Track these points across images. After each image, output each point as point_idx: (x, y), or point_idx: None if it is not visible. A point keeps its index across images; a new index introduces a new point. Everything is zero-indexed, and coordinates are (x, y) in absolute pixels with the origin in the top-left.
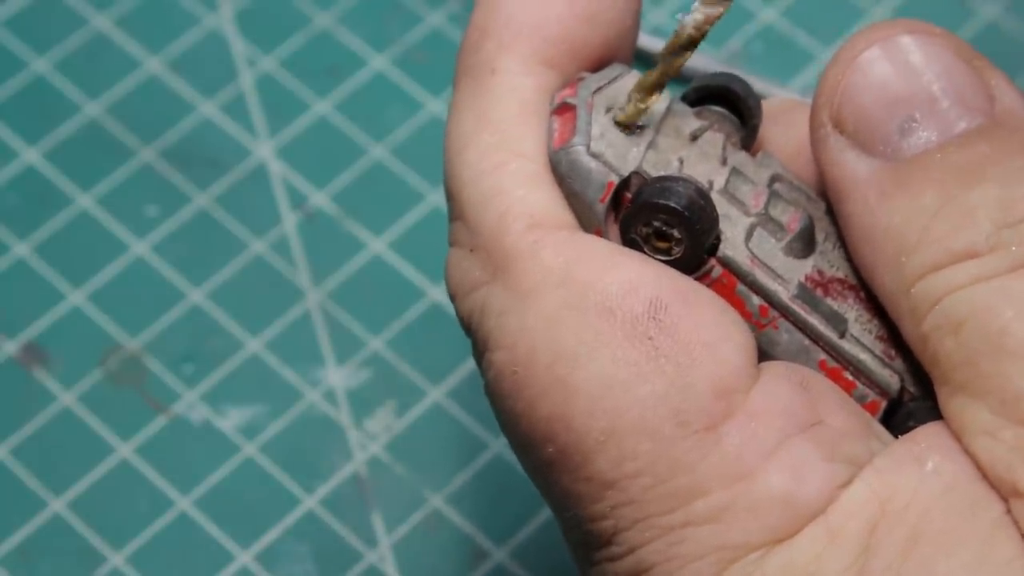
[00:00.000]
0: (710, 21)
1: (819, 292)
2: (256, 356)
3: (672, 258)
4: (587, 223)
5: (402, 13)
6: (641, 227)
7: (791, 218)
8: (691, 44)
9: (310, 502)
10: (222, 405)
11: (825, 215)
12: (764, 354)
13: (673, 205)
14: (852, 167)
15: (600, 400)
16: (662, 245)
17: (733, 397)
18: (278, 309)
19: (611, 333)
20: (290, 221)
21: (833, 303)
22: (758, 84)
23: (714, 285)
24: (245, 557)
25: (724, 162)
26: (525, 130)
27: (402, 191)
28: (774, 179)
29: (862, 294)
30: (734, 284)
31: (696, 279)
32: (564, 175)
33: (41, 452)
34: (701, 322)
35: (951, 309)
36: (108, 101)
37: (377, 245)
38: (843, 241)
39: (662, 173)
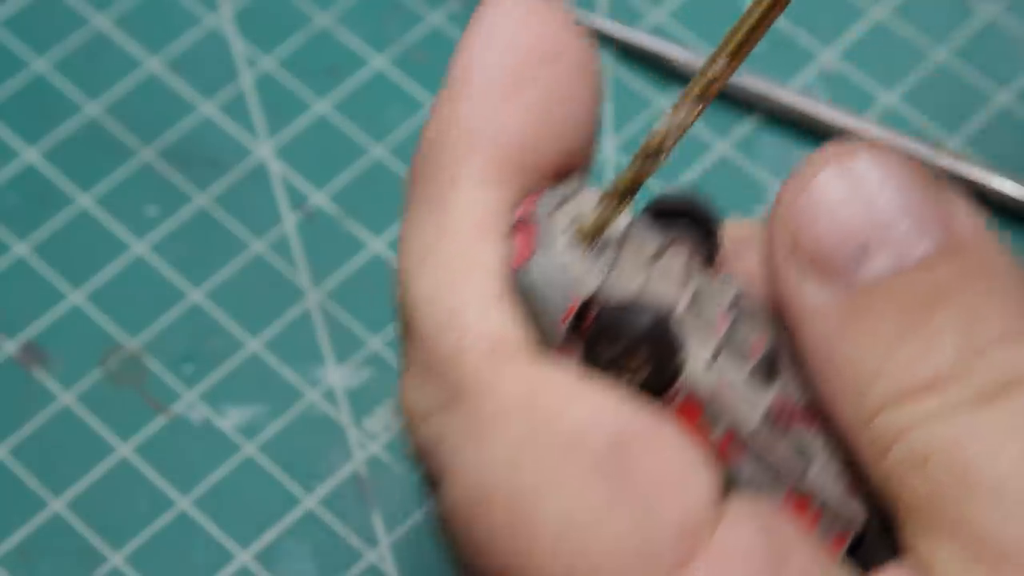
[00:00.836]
0: (677, 131)
1: (783, 421)
2: (256, 356)
3: (635, 384)
4: (548, 345)
5: (402, 13)
6: (603, 352)
7: (754, 343)
8: (657, 154)
9: (310, 502)
10: (222, 405)
11: (788, 339)
12: (727, 485)
13: (636, 330)
14: (809, 296)
15: (561, 540)
16: (624, 371)
17: (698, 537)
18: (278, 309)
19: (572, 470)
20: (290, 221)
21: (797, 433)
22: (758, 84)
23: (677, 413)
24: (245, 557)
25: (686, 282)
26: (483, 247)
27: (402, 191)
28: (736, 301)
29: (826, 424)
30: (698, 413)
31: (659, 406)
32: (524, 295)
33: (41, 452)
34: (665, 458)
35: (915, 443)
36: (108, 101)
37: (377, 245)
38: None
39: (625, 294)
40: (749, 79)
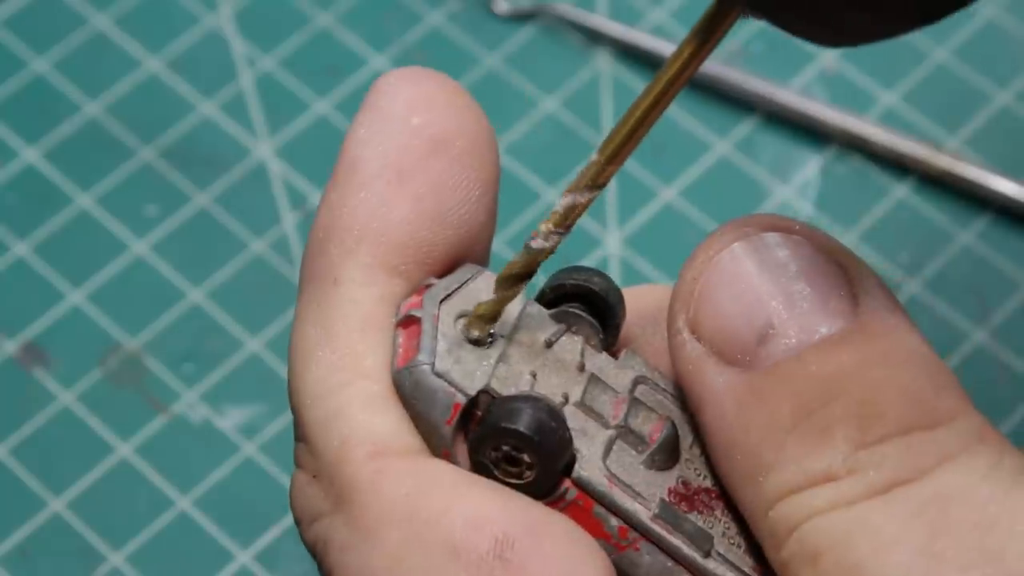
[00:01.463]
0: (550, 251)
1: (683, 506)
2: (256, 356)
3: (523, 482)
4: (435, 445)
5: (402, 13)
6: (489, 451)
7: (653, 427)
8: (530, 271)
9: None
10: (222, 405)
11: (692, 417)
12: (626, 575)
13: (521, 430)
14: (709, 377)
15: None
16: (513, 469)
17: None
18: (278, 309)
19: (455, 575)
20: (289, 221)
21: (698, 517)
22: (758, 84)
23: (569, 508)
24: (245, 557)
25: (582, 368)
26: (367, 346)
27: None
28: (637, 382)
29: (731, 503)
30: (591, 506)
31: (550, 503)
32: (408, 396)
33: (41, 452)
34: (551, 557)
35: (808, 537)
36: (108, 101)
37: None
38: None
39: (512, 390)
40: (749, 79)
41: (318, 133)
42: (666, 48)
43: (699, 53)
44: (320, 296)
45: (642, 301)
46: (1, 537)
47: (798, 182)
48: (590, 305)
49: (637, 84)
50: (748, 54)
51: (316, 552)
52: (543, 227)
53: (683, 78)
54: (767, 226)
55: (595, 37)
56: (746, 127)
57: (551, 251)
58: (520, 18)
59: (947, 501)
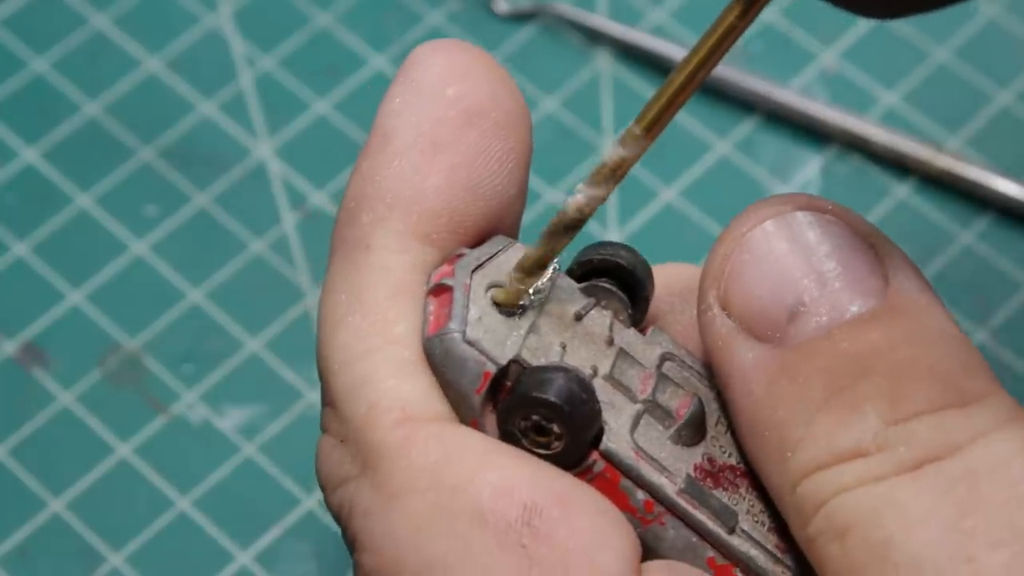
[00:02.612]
0: (593, 204)
1: (709, 483)
2: (256, 356)
3: (552, 452)
4: (463, 413)
5: (402, 13)
6: (519, 421)
7: (680, 403)
8: (574, 226)
9: (310, 502)
10: (221, 405)
11: (719, 395)
12: (650, 549)
13: (551, 400)
14: (738, 353)
15: None
16: (541, 439)
17: None
18: (278, 309)
19: (482, 541)
20: (289, 221)
21: (723, 494)
22: (758, 84)
23: (596, 479)
24: (245, 557)
25: (611, 343)
26: (398, 313)
27: None
28: (664, 359)
29: (756, 481)
30: (617, 478)
31: (577, 474)
32: (438, 363)
33: (40, 452)
34: (578, 527)
35: (836, 513)
36: (107, 101)
37: None
38: None
39: (542, 361)
40: (749, 79)
41: (318, 133)
42: (666, 48)
43: (744, 17)
44: (351, 263)
45: (671, 279)
46: (1, 537)
47: (798, 182)
48: (619, 280)
49: (637, 84)
50: (748, 54)
51: (340, 517)
52: (592, 176)
53: (727, 44)
54: (800, 205)
55: (595, 37)
56: (746, 127)
57: (602, 199)
58: (520, 18)
59: (977, 478)
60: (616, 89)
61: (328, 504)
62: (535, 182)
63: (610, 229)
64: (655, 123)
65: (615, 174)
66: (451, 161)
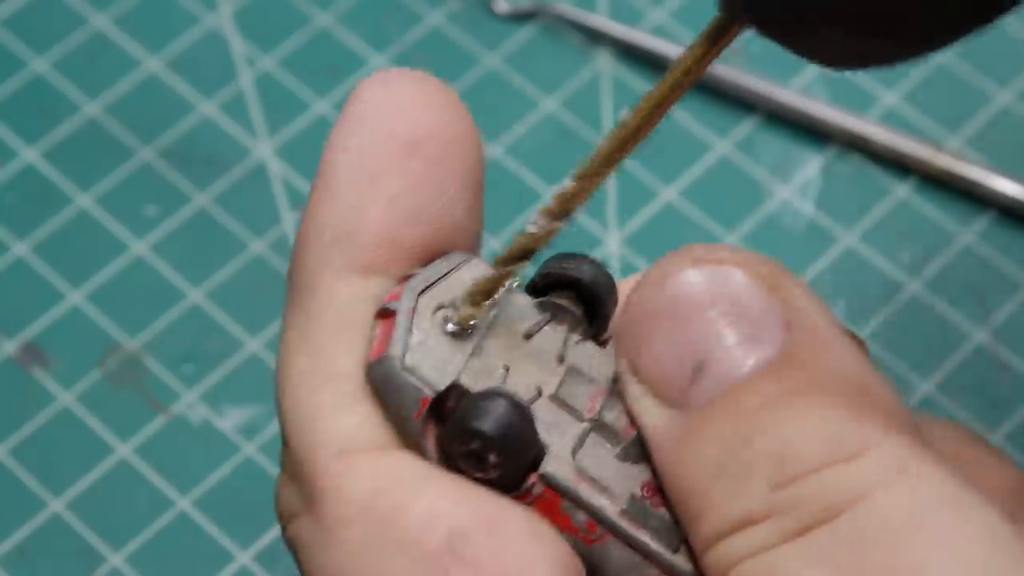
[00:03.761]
0: (548, 235)
1: (655, 500)
2: (256, 356)
3: (489, 477)
4: (405, 437)
5: (402, 13)
6: (456, 449)
7: (629, 421)
8: (526, 255)
9: None
10: (221, 405)
11: None
12: (596, 568)
13: (484, 430)
14: (649, 417)
15: None
16: (479, 465)
17: None
18: (278, 309)
19: (409, 570)
20: (289, 221)
21: (669, 513)
22: (758, 84)
23: (537, 502)
24: (245, 557)
25: (561, 360)
26: (340, 348)
27: None
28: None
29: None
30: (557, 500)
31: (517, 497)
32: (379, 389)
33: (40, 452)
34: (504, 552)
35: None
36: (107, 101)
37: None
38: None
39: (482, 386)
40: (749, 79)
41: (318, 133)
42: (666, 48)
43: (701, 61)
44: (297, 305)
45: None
46: (1, 537)
47: (799, 182)
48: (579, 294)
49: (637, 84)
50: (748, 54)
51: (292, 552)
52: (543, 210)
53: (681, 89)
54: (698, 259)
55: (595, 37)
56: (746, 127)
57: (549, 235)
58: (520, 18)
59: (861, 543)
60: (616, 89)
61: (284, 539)
62: (535, 182)
63: (610, 229)
64: (607, 160)
65: (567, 208)
66: (390, 192)
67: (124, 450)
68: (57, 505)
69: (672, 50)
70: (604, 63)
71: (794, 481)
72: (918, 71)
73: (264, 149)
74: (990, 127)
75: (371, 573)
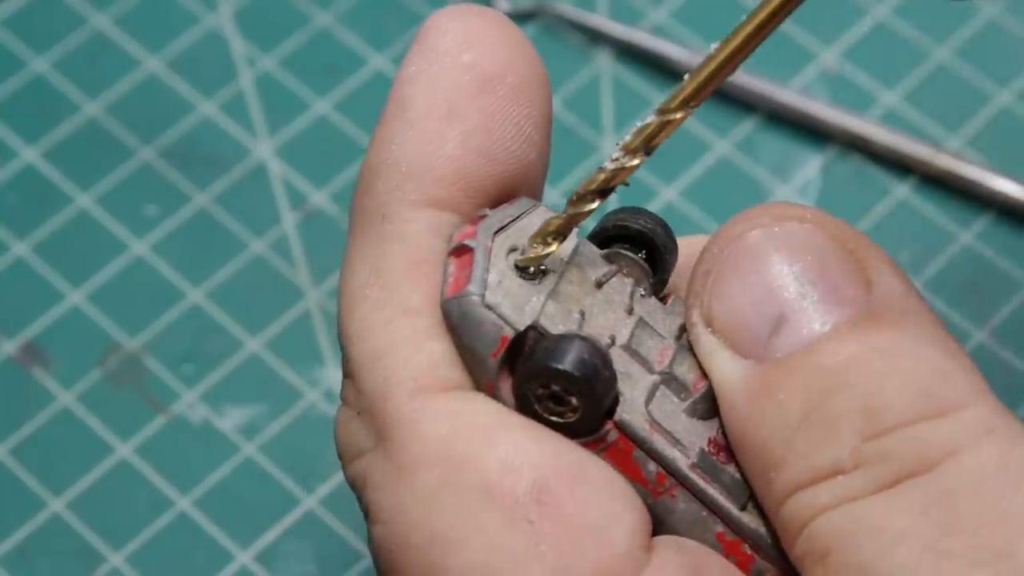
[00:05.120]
0: (627, 172)
1: (722, 457)
2: (256, 356)
3: (566, 421)
4: (479, 377)
5: (402, 13)
6: (535, 389)
7: (697, 376)
8: (602, 192)
9: (310, 502)
10: (221, 405)
11: None
12: (660, 521)
13: (567, 370)
14: (722, 369)
15: None
16: (556, 408)
17: None
18: (278, 309)
19: (489, 517)
20: (289, 221)
21: (736, 470)
22: (758, 84)
23: (609, 450)
24: (245, 557)
25: (631, 311)
26: (414, 282)
27: None
28: (684, 330)
29: None
30: (630, 449)
31: (590, 443)
32: (455, 326)
33: (40, 452)
34: (588, 502)
35: (816, 535)
36: (107, 100)
37: None
38: None
39: (560, 328)
40: (749, 79)
41: (318, 133)
42: (666, 48)
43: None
44: (368, 234)
45: (696, 249)
46: (1, 537)
47: (799, 182)
48: (642, 248)
49: (637, 84)
50: None
51: (356, 489)
52: (622, 145)
53: (777, 19)
54: (778, 216)
55: (595, 37)
56: (746, 127)
57: (628, 172)
58: (520, 18)
59: (955, 497)
60: (616, 89)
61: (345, 475)
62: None
63: None
64: (694, 96)
65: (649, 143)
66: (465, 127)
67: (124, 450)
68: (57, 505)
69: (672, 50)
70: (604, 63)
71: (886, 433)
72: (918, 71)
73: (264, 149)
74: (990, 127)
75: (448, 517)
